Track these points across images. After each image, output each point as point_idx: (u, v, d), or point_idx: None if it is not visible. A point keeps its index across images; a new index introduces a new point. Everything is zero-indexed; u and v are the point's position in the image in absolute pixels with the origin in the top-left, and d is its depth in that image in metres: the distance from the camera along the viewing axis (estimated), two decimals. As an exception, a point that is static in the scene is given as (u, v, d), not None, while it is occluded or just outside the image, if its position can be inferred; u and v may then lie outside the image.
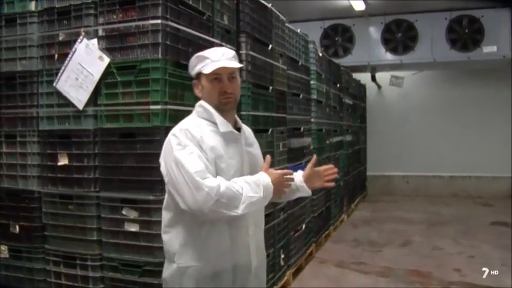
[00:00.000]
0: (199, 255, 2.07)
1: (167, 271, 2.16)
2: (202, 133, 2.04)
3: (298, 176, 2.32)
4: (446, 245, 6.73)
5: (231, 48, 3.69)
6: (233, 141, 2.14)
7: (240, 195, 1.96)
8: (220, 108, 2.12)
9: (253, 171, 2.16)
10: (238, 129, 2.21)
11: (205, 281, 2.07)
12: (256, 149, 2.33)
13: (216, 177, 1.99)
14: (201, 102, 2.17)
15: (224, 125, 2.11)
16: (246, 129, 2.31)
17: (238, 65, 2.14)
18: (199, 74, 2.15)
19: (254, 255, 2.18)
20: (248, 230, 2.14)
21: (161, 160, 2.11)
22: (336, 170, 2.39)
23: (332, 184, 2.39)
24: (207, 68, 2.08)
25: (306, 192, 2.32)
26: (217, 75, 2.10)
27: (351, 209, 9.00)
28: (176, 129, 2.09)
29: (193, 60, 2.18)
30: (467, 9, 9.22)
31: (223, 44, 3.61)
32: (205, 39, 3.34)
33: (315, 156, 2.35)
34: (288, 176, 2.14)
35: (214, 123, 2.12)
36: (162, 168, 2.08)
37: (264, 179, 2.04)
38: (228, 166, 2.07)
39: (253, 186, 2.00)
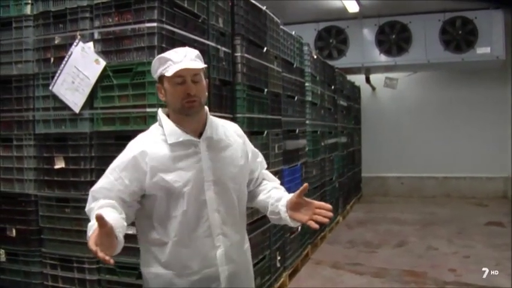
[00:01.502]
0: (161, 264, 2.04)
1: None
2: (148, 145, 1.99)
3: (282, 202, 2.11)
4: (441, 245, 6.76)
5: (225, 51, 3.76)
6: (186, 149, 2.01)
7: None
8: (185, 113, 2.00)
9: (222, 178, 2.06)
10: (201, 134, 2.06)
11: None
12: (231, 151, 2.15)
13: (154, 196, 1.98)
14: (159, 110, 2.09)
15: (174, 135, 2.00)
16: (220, 131, 2.14)
17: (202, 66, 2.01)
18: (161, 77, 2.01)
19: (224, 265, 2.05)
20: (214, 241, 2.03)
21: None
22: (330, 214, 1.99)
23: (317, 226, 1.97)
24: (169, 70, 1.95)
25: (292, 224, 2.10)
26: (180, 78, 1.96)
27: (346, 210, 9.01)
28: (133, 140, 2.09)
29: (155, 62, 2.04)
30: (461, 10, 9.25)
31: (218, 46, 3.64)
32: (200, 42, 3.36)
33: (306, 185, 2.02)
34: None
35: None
36: None
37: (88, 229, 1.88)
38: (175, 178, 1.96)
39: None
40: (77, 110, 3.12)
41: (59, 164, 3.19)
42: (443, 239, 7.08)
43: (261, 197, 2.25)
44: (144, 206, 2.03)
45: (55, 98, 3.20)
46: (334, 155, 7.95)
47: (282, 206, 2.09)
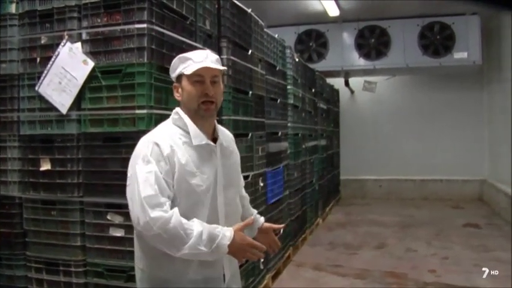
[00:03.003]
0: (167, 267, 2.00)
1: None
2: (173, 147, 1.96)
3: (261, 220, 2.42)
4: (419, 246, 6.82)
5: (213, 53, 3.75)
6: (207, 154, 2.03)
7: (185, 240, 1.85)
8: (200, 114, 2.02)
9: (229, 184, 2.11)
10: (215, 139, 2.09)
11: None
12: (234, 158, 2.23)
13: (176, 199, 1.94)
14: (178, 109, 2.08)
15: (198, 138, 2.01)
16: (225, 137, 2.20)
17: (222, 68, 2.05)
18: (180, 76, 2.04)
19: (227, 269, 2.11)
20: None
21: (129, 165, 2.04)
22: (276, 250, 2.53)
23: (261, 255, 2.05)
24: (189, 68, 1.98)
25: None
26: (199, 77, 1.99)
27: (325, 212, 9.04)
28: (148, 138, 2.01)
29: (175, 61, 2.07)
30: (439, 15, 9.37)
31: (206, 48, 3.62)
32: (188, 44, 3.34)
33: (284, 225, 2.60)
34: (256, 252, 1.99)
35: (188, 134, 2.02)
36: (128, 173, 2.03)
37: (223, 238, 1.90)
38: (199, 182, 1.97)
39: (205, 239, 1.87)
40: (64, 111, 3.07)
41: (45, 166, 3.14)
42: (422, 241, 7.14)
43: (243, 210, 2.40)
44: None
45: (41, 98, 3.15)
46: (315, 158, 7.97)
47: (259, 220, 2.41)
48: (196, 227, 1.88)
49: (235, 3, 4.21)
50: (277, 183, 5.40)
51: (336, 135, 11.07)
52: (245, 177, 4.28)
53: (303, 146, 7.06)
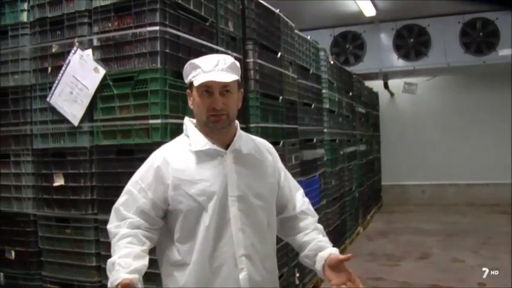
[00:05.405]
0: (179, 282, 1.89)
1: None
2: (167, 157, 1.87)
3: (323, 254, 1.96)
4: (466, 257, 6.47)
5: (236, 57, 3.52)
6: (211, 160, 1.87)
7: (111, 264, 1.79)
8: (209, 127, 1.87)
9: (248, 195, 1.89)
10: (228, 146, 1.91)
11: None
12: (264, 168, 1.99)
13: (174, 211, 1.87)
14: (186, 119, 1.98)
15: (200, 143, 1.87)
16: (249, 145, 1.98)
17: (232, 78, 1.84)
18: (191, 84, 1.89)
19: (246, 285, 1.88)
20: (237, 263, 1.86)
21: None
22: None
23: None
24: (197, 78, 1.83)
25: (319, 274, 1.98)
26: (207, 88, 1.83)
27: (366, 220, 8.79)
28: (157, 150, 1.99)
29: (186, 67, 1.92)
30: (481, 11, 9.00)
31: (229, 52, 3.40)
32: (209, 47, 3.12)
33: (350, 255, 1.92)
34: None
35: None
36: None
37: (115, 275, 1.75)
38: (199, 191, 1.83)
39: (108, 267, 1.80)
40: (75, 122, 2.90)
41: (58, 182, 2.97)
42: (468, 250, 6.78)
43: (300, 236, 2.07)
44: (166, 223, 1.92)
45: (53, 110, 2.99)
46: (353, 164, 7.75)
47: (320, 258, 1.96)
48: (114, 256, 1.81)
49: (260, 3, 3.98)
50: (313, 193, 5.15)
51: (376, 139, 10.84)
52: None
53: (341, 153, 6.83)
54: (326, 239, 2.07)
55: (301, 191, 2.16)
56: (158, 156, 1.90)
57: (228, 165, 1.88)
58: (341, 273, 1.89)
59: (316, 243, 2.00)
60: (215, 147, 1.87)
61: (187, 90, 1.95)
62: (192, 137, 1.89)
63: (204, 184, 1.83)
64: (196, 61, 1.88)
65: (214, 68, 1.82)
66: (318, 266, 1.95)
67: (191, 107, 1.93)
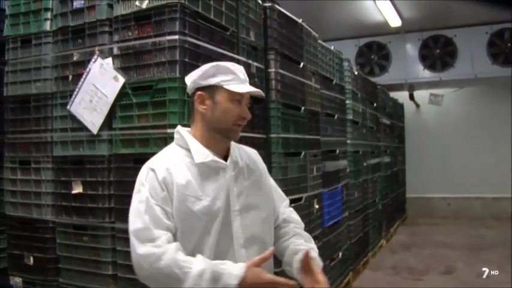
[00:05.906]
0: None
1: None
2: (170, 169, 1.74)
3: (297, 257, 1.84)
4: (492, 272, 6.27)
5: (257, 67, 3.50)
6: (214, 173, 1.78)
7: (181, 280, 1.60)
8: (227, 135, 1.81)
9: (249, 207, 1.82)
10: (227, 158, 1.84)
11: None
12: (257, 176, 1.92)
13: (174, 229, 1.71)
14: (179, 128, 1.86)
15: (202, 154, 1.77)
16: (243, 155, 1.93)
17: (260, 92, 1.87)
18: (213, 87, 1.78)
19: None
20: None
21: None
22: None
23: None
24: (235, 86, 1.76)
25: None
26: (240, 97, 1.79)
27: (390, 233, 8.64)
28: (146, 164, 1.81)
29: (210, 69, 1.79)
30: (509, 22, 8.80)
31: (250, 61, 3.38)
32: (229, 57, 3.10)
33: (306, 251, 1.80)
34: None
35: (191, 152, 1.79)
36: None
37: (229, 277, 1.61)
38: (203, 209, 1.72)
39: (208, 279, 1.60)
40: (94, 130, 2.91)
41: (77, 189, 2.98)
42: (494, 265, 6.51)
43: (279, 243, 1.97)
44: None
45: (73, 118, 3.02)
46: (377, 176, 7.64)
47: (295, 263, 1.83)
48: (197, 264, 1.62)
49: (283, 13, 3.95)
50: (335, 205, 5.09)
51: (401, 151, 10.69)
52: (298, 199, 4.00)
53: (364, 164, 6.74)
54: (302, 241, 1.94)
55: (286, 202, 2.09)
56: (159, 169, 1.75)
57: (229, 179, 1.80)
58: (311, 273, 1.79)
59: (292, 248, 1.90)
60: (216, 159, 1.79)
61: (201, 93, 1.80)
62: (193, 148, 1.79)
63: (207, 200, 1.74)
64: (225, 64, 1.81)
65: (246, 77, 1.82)
66: (295, 272, 1.84)
67: (203, 110, 1.80)
